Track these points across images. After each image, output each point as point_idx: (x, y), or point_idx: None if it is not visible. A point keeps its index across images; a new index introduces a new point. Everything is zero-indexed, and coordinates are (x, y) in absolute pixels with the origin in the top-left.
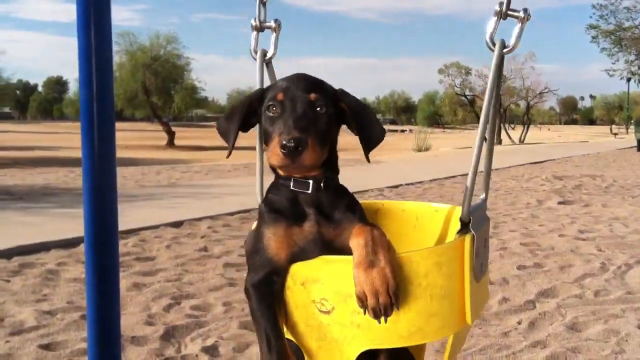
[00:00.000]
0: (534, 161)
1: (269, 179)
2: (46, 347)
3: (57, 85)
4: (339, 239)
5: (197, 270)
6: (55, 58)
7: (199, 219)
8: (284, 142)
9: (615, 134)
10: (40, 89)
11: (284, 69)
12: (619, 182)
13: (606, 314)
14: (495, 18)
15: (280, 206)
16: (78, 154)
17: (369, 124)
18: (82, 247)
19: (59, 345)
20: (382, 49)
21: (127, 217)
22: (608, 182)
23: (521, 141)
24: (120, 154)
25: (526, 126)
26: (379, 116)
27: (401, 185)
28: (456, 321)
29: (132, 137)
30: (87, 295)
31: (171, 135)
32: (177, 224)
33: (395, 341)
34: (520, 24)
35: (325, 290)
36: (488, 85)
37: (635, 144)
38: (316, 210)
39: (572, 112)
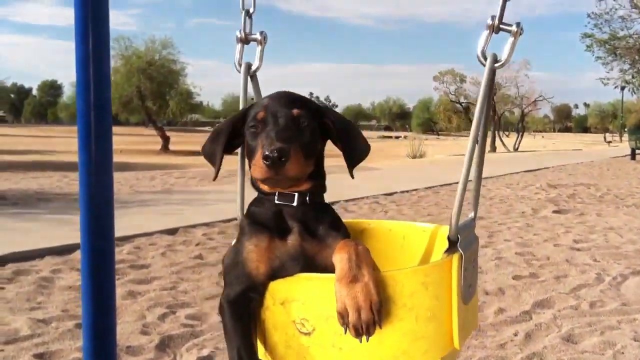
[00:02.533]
0: (529, 169)
1: (251, 195)
2: (40, 356)
3: (52, 89)
4: (321, 256)
5: (193, 279)
6: (51, 62)
7: (194, 226)
8: (267, 153)
9: (609, 142)
10: (34, 92)
11: (281, 75)
12: (613, 191)
13: (602, 326)
14: (487, 32)
15: (262, 219)
16: (72, 158)
17: (353, 139)
18: (76, 254)
19: (54, 355)
20: (377, 55)
21: (122, 223)
22: (602, 191)
23: (515, 149)
24: (114, 158)
25: (520, 134)
26: (373, 122)
27: (396, 192)
28: (443, 345)
29: (126, 142)
30: (83, 304)
31: (166, 140)
32: (172, 231)
33: None
34: (512, 38)
35: (305, 309)
36: (478, 101)
37: (629, 152)
38: (300, 224)
39: (566, 120)
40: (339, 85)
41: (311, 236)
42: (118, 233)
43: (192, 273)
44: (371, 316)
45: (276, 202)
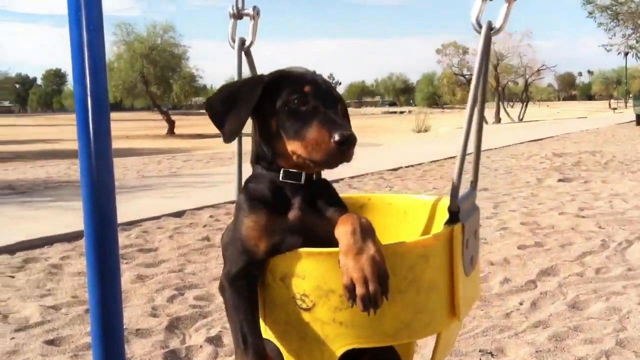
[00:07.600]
0: (533, 139)
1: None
2: (51, 342)
3: (56, 77)
4: (322, 229)
5: (200, 260)
6: (54, 50)
7: (201, 208)
8: (341, 139)
9: (614, 109)
10: (39, 81)
11: (285, 52)
12: (618, 158)
13: (607, 292)
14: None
15: (261, 195)
16: None
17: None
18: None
19: (64, 340)
20: (379, 30)
21: (129, 208)
22: (607, 158)
23: (520, 119)
24: (121, 144)
25: (525, 104)
26: (377, 98)
27: (401, 167)
28: (445, 317)
29: (132, 127)
30: (89, 289)
31: (171, 124)
32: (179, 214)
33: (381, 339)
34: (507, 4)
35: (305, 285)
36: (475, 69)
37: (634, 118)
38: (301, 199)
39: (571, 88)
40: (341, 61)
41: (312, 210)
42: (126, 218)
43: (200, 255)
44: (378, 287)
45: (281, 179)
